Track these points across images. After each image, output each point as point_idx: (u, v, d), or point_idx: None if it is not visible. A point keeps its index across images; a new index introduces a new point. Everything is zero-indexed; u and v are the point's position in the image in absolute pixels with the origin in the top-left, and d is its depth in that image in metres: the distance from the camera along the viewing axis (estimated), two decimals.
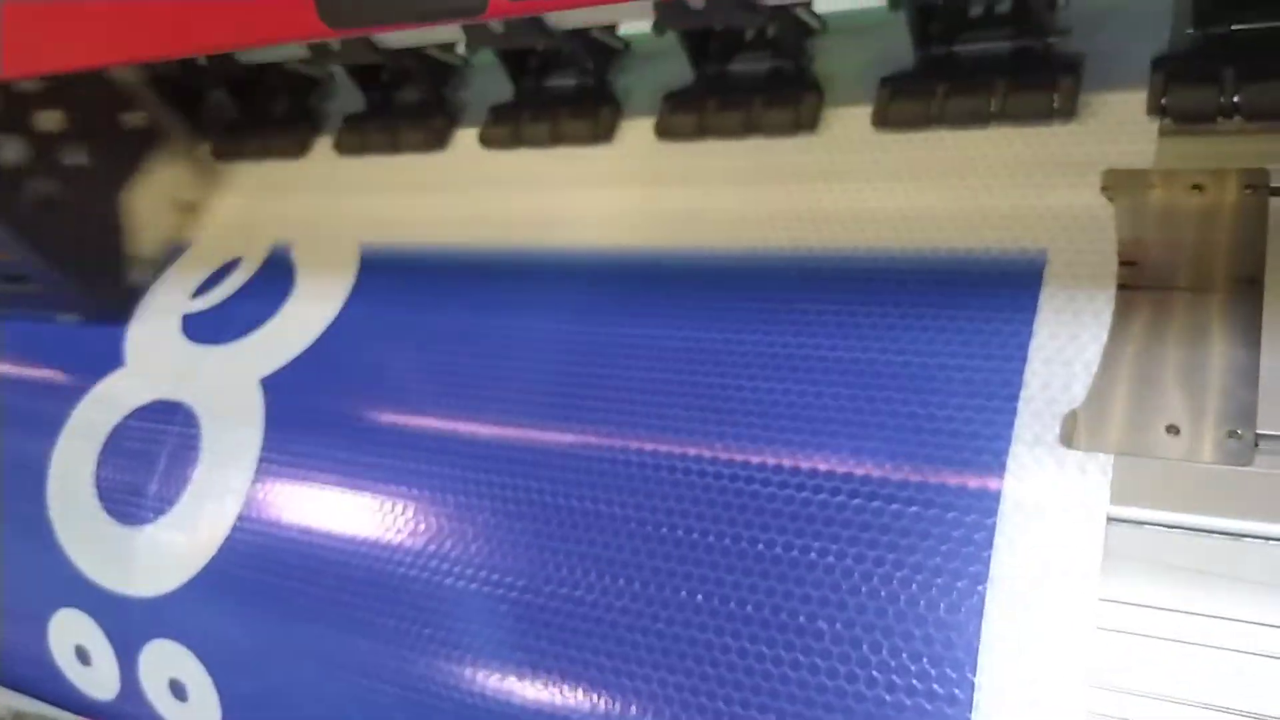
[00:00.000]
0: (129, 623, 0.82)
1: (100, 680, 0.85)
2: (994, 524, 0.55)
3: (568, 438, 0.70)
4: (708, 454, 0.65)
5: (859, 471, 0.61)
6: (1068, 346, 0.58)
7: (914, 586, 0.57)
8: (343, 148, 0.96)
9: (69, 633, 0.86)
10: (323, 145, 0.98)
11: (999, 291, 0.63)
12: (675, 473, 0.65)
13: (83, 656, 0.86)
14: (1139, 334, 0.55)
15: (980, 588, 0.55)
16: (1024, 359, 0.60)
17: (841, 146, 0.73)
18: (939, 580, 0.56)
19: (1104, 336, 0.57)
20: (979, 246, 0.65)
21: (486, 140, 0.88)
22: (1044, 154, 0.66)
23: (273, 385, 0.83)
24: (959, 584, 0.55)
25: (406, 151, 0.92)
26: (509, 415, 0.72)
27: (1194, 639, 0.47)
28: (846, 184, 0.72)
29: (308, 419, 0.80)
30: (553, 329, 0.76)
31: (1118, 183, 0.62)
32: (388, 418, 0.77)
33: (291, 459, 0.79)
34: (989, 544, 0.55)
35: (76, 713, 0.88)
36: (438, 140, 0.90)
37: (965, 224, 0.66)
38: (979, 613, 0.54)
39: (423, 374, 0.78)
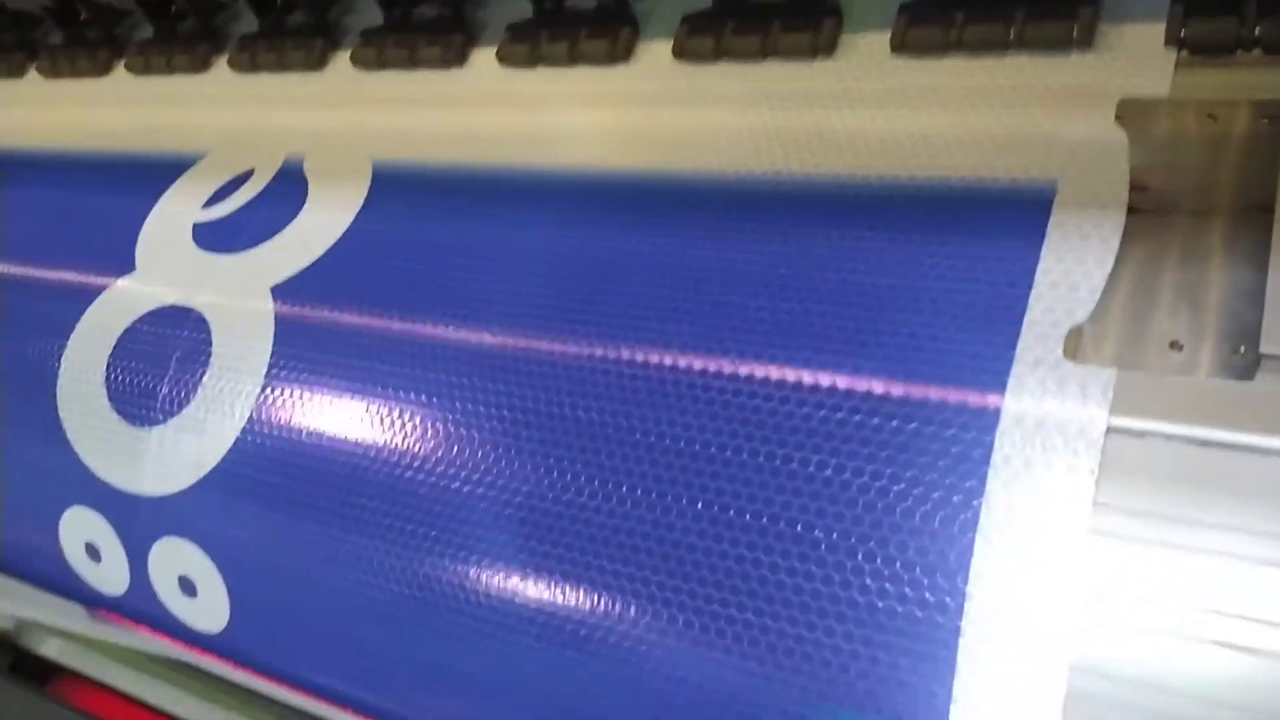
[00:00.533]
0: (139, 521, 0.84)
1: (110, 576, 0.87)
2: (992, 440, 0.56)
3: (572, 349, 0.71)
4: (713, 368, 0.66)
5: (860, 388, 0.62)
6: (1074, 271, 0.59)
7: (910, 500, 0.58)
8: (359, 62, 0.96)
9: (80, 530, 0.88)
10: (340, 60, 0.98)
11: (1009, 219, 0.63)
12: (679, 386, 0.66)
13: (93, 553, 0.88)
14: (1146, 257, 0.56)
15: (976, 501, 0.56)
16: (1030, 285, 0.60)
17: (858, 72, 0.74)
18: (935, 494, 0.57)
19: (1111, 262, 0.58)
20: (990, 174, 0.66)
21: (504, 58, 0.88)
22: (1060, 83, 0.67)
23: (284, 293, 0.84)
24: (955, 498, 0.57)
25: (424, 68, 0.92)
26: (517, 327, 0.73)
27: (1191, 546, 0.49)
28: (862, 109, 0.72)
29: (318, 327, 0.81)
30: (562, 245, 0.76)
31: (1132, 112, 0.62)
32: (397, 327, 0.78)
33: (301, 365, 0.80)
34: (986, 460, 0.56)
35: (87, 603, 0.91)
36: (456, 57, 0.90)
37: (977, 151, 0.67)
38: (973, 525, 0.56)
39: (431, 286, 0.79)
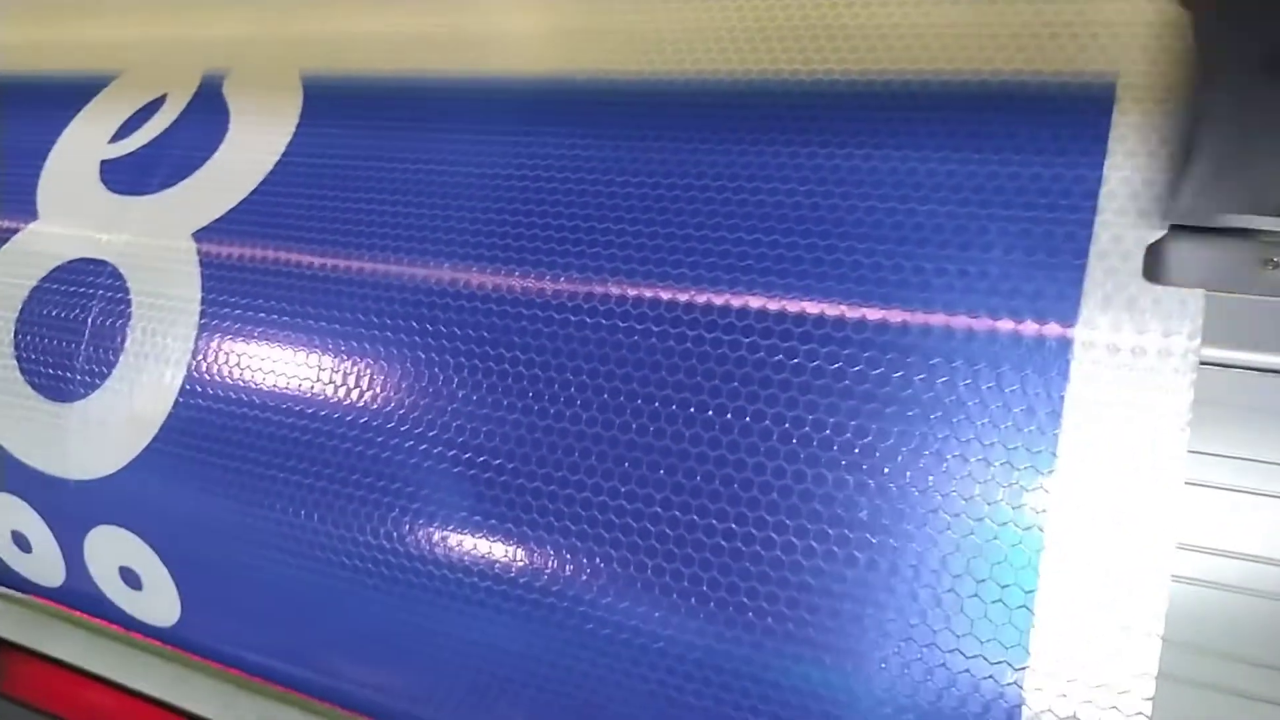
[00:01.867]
0: (68, 508, 0.74)
1: (43, 568, 0.78)
2: (1068, 368, 0.48)
3: (524, 283, 0.61)
4: (737, 303, 0.56)
5: (917, 323, 0.52)
6: (1143, 186, 0.49)
7: (986, 464, 0.49)
8: None
9: (4, 519, 0.78)
10: None
11: (1060, 123, 0.53)
12: (679, 325, 0.56)
13: (22, 543, 0.79)
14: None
15: (1054, 429, 0.47)
16: (1094, 208, 0.51)
17: None
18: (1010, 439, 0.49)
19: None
20: (1030, 69, 0.55)
21: None
22: None
23: (208, 238, 0.72)
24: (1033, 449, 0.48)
25: None
26: (464, 261, 0.63)
27: None
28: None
29: (249, 275, 0.70)
30: (504, 165, 0.65)
31: None
32: (340, 267, 0.67)
33: (235, 321, 0.69)
34: (1061, 392, 0.48)
35: (26, 593, 0.82)
36: None
37: (1013, 44, 0.56)
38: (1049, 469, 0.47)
39: (372, 220, 0.68)
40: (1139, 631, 0.45)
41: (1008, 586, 0.48)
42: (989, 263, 0.51)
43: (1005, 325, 0.50)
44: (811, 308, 0.54)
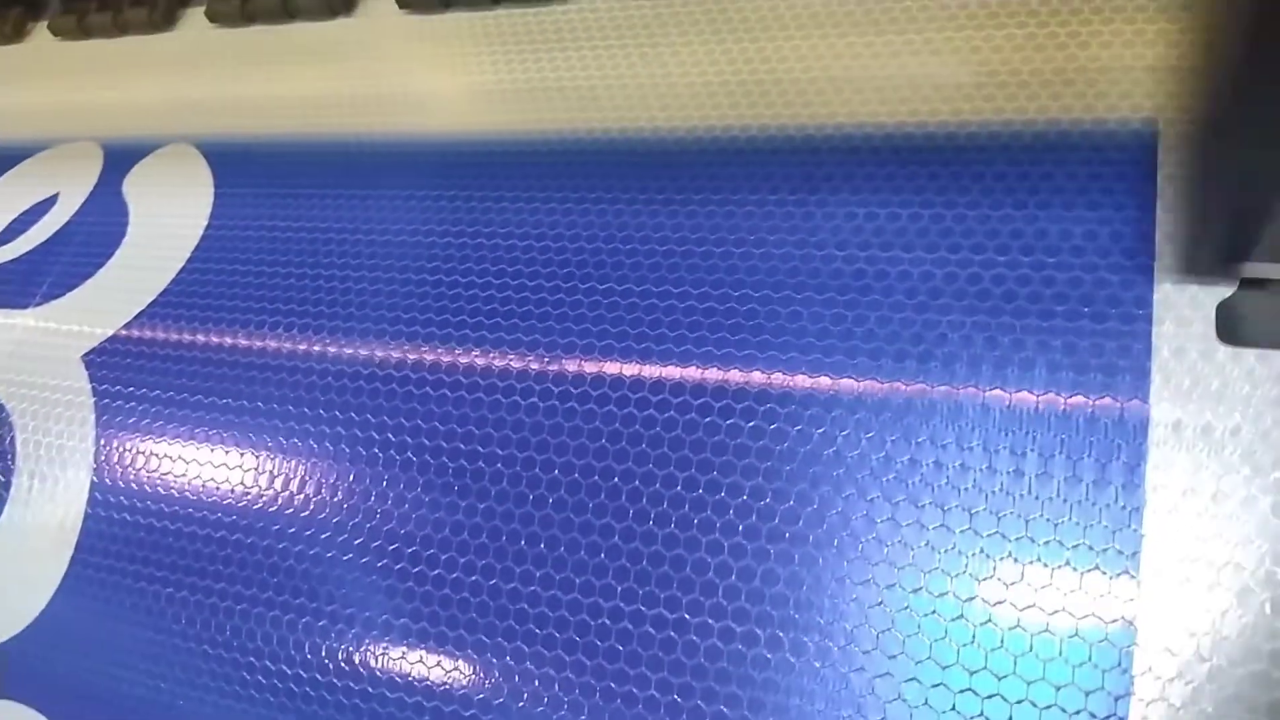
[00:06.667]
0: None
1: None
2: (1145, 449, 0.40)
3: (458, 359, 0.53)
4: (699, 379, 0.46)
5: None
6: None
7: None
8: (60, 31, 0.80)
9: None
10: (40, 29, 0.82)
11: (1100, 173, 0.44)
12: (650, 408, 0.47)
13: None
14: None
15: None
16: (1151, 254, 0.42)
17: None
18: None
19: None
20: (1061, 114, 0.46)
21: (215, 16, 0.74)
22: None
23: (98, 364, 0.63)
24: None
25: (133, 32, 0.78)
26: (388, 337, 0.55)
27: None
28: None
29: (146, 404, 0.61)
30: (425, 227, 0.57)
31: None
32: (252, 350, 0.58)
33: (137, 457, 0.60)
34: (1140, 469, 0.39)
35: None
36: (164, 19, 0.77)
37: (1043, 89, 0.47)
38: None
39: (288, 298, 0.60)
40: None
41: None
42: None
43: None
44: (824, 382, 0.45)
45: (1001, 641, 0.40)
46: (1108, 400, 0.41)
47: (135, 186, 0.71)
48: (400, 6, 0.70)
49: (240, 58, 0.74)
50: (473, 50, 0.65)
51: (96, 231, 0.70)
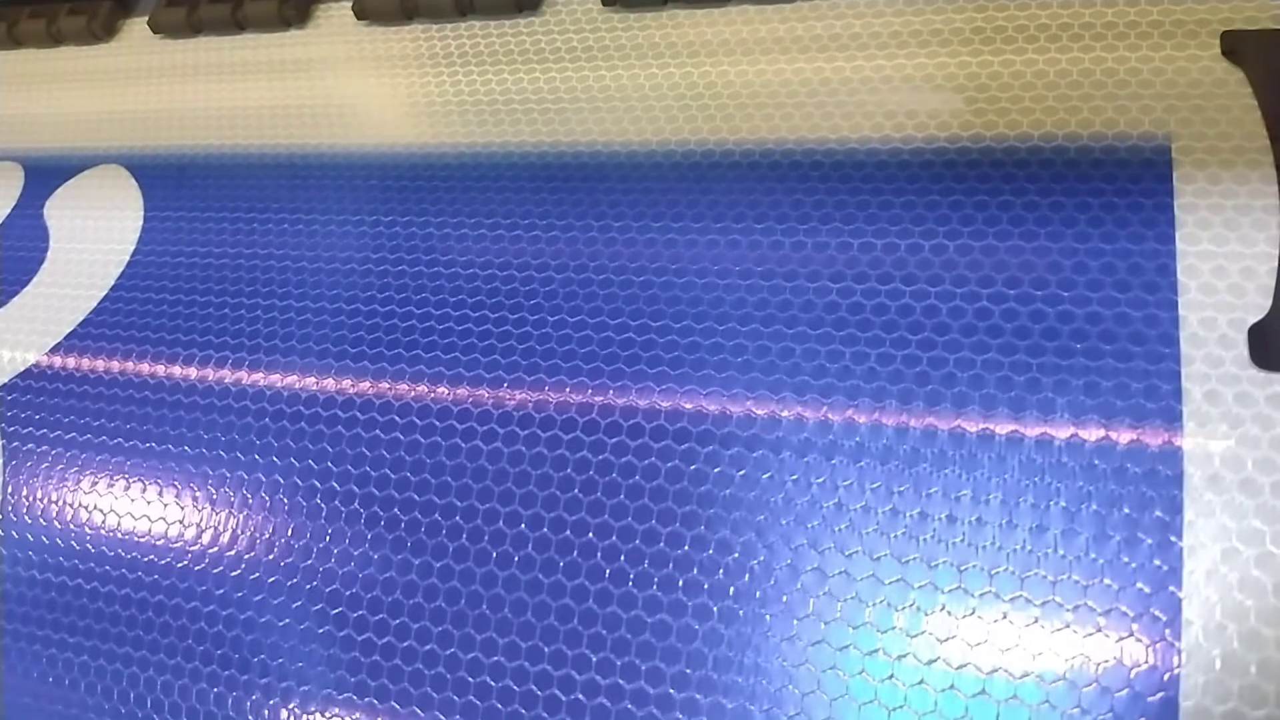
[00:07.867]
0: None
1: None
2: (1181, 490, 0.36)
3: (397, 390, 0.47)
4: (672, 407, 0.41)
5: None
6: (1227, 258, 0.36)
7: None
8: None
9: None
10: None
11: (1112, 190, 0.41)
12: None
13: None
14: None
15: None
16: (1174, 285, 0.39)
17: None
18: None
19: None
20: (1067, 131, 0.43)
21: (159, 27, 0.70)
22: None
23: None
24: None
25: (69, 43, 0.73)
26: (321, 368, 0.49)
27: None
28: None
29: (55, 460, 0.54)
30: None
31: (1244, 45, 0.45)
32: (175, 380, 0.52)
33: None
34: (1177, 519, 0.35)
35: None
36: (104, 29, 0.72)
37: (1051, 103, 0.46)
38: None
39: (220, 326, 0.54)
40: None
41: None
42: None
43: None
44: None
45: None
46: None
47: (58, 209, 0.65)
48: (359, 18, 0.66)
49: (182, 71, 0.69)
50: (431, 66, 0.61)
51: (11, 257, 0.64)
